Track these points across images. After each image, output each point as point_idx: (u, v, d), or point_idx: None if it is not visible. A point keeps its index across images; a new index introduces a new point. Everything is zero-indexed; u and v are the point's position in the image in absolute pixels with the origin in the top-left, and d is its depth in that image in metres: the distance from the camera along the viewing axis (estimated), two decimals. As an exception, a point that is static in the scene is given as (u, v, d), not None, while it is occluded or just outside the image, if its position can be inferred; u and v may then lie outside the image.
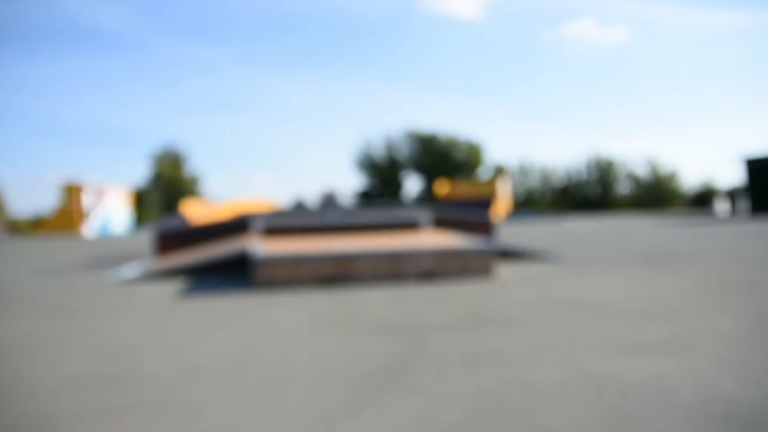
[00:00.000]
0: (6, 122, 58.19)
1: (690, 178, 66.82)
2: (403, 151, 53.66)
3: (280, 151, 74.36)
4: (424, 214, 8.39)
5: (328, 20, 69.11)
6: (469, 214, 10.75)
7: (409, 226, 8.05)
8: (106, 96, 64.60)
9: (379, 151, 53.23)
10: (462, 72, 74.41)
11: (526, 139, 77.13)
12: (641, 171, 46.57)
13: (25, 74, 58.64)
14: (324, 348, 2.85)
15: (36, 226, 29.64)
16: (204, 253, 6.90)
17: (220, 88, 69.15)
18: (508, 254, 6.83)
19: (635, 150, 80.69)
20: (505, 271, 5.97)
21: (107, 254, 10.94)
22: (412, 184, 54.53)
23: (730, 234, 12.04)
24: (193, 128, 68.20)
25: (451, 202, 39.82)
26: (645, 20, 66.33)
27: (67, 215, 27.46)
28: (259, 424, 1.84)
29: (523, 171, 51.00)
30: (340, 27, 70.68)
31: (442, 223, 9.50)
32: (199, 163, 71.39)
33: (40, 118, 61.92)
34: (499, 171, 52.02)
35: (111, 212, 31.45)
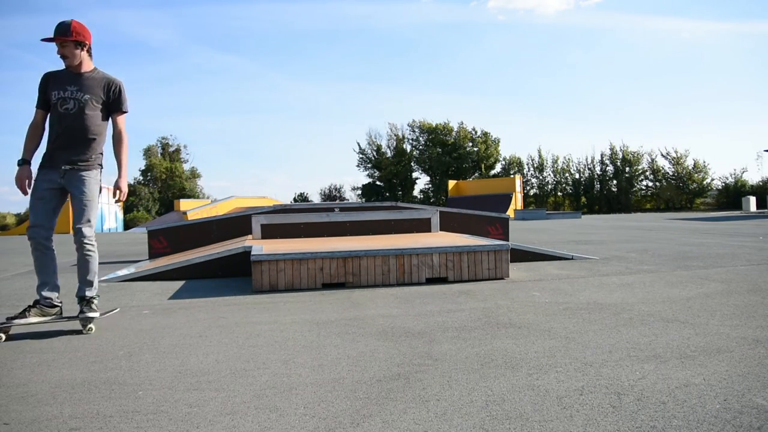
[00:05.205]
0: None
1: (717, 171, 66.41)
2: (412, 144, 53.58)
3: (283, 148, 75.42)
4: (433, 211, 8.40)
5: (330, 22, 70.77)
6: (482, 210, 10.74)
7: (419, 224, 8.06)
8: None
9: (385, 143, 53.18)
10: (473, 60, 74.19)
11: (541, 132, 76.91)
12: (665, 165, 46.35)
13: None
14: (328, 352, 2.87)
15: (25, 222, 29.92)
16: (201, 252, 6.95)
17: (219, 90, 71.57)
18: (523, 253, 6.83)
19: (658, 143, 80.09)
20: (519, 270, 5.97)
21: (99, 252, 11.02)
22: (421, 180, 54.47)
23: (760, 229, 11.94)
24: (195, 128, 70.55)
25: (462, 198, 39.75)
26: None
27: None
28: (261, 432, 1.87)
29: (539, 165, 50.77)
30: (344, 28, 72.11)
31: (453, 220, 9.50)
32: (202, 159, 73.82)
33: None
34: (513, 165, 51.81)
35: (102, 209, 31.73)
